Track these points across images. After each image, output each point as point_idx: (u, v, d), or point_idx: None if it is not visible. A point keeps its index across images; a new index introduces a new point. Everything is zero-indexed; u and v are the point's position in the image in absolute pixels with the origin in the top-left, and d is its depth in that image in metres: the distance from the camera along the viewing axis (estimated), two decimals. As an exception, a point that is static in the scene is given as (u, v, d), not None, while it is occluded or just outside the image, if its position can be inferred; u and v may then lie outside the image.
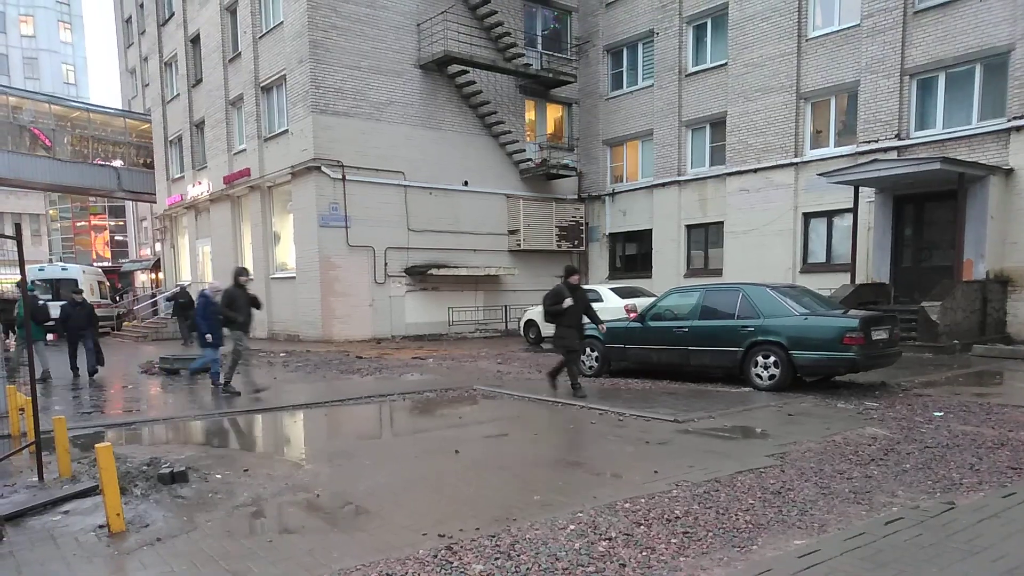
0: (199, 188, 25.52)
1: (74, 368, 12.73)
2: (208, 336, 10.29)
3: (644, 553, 3.73)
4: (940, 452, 5.82)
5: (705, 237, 20.38)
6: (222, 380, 10.14)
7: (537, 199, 22.65)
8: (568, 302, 8.83)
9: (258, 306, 10.25)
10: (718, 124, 19.58)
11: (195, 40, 25.43)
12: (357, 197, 19.08)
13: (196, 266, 27.03)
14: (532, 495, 4.85)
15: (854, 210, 15.33)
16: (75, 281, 24.28)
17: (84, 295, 13.20)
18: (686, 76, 20.27)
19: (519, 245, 22.19)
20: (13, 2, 62.49)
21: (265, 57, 20.95)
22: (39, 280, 23.83)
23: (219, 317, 10.21)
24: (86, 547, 4.03)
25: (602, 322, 9.89)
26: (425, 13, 20.00)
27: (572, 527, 4.12)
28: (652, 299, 12.66)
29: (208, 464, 5.87)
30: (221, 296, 10.05)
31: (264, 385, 10.31)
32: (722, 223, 19.44)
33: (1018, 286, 14.19)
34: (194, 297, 14.28)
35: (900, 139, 15.63)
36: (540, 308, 17.47)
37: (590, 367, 11.25)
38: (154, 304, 28.28)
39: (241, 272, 10.32)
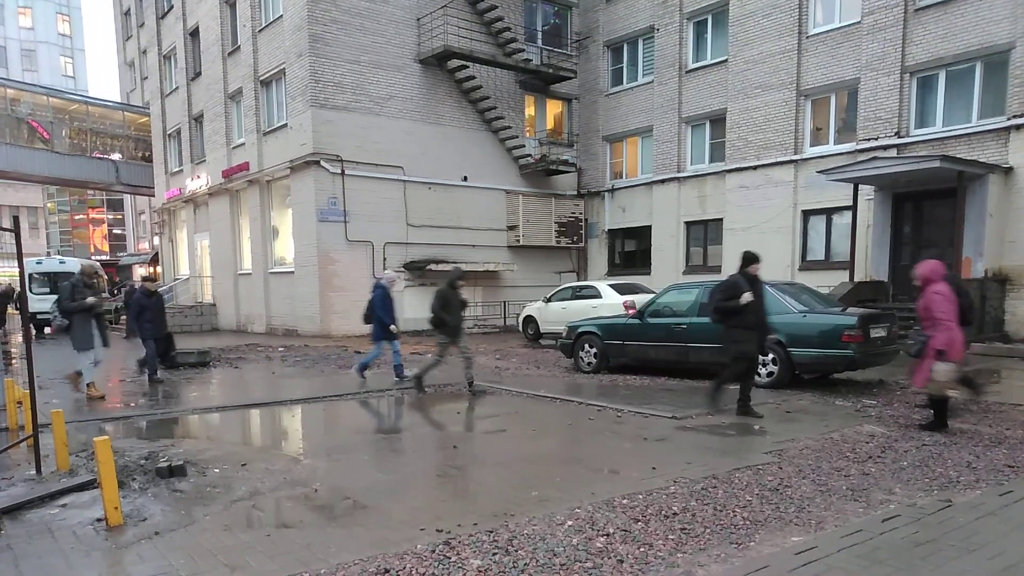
0: (198, 182, 25.47)
1: (165, 362, 11.60)
2: (384, 328, 10.20)
3: (642, 549, 3.74)
4: (937, 450, 5.83)
5: (704, 234, 20.38)
6: (407, 373, 10.15)
7: (536, 195, 22.62)
8: (747, 297, 7.13)
9: (465, 307, 9.73)
10: (718, 121, 19.56)
11: (194, 33, 25.34)
12: (356, 192, 19.05)
13: (194, 260, 26.99)
14: (530, 491, 4.86)
15: (853, 208, 15.33)
16: (71, 272, 24.27)
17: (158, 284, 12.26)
18: (686, 72, 20.24)
19: (518, 241, 22.18)
20: (11, -6, 62.29)
21: (264, 51, 20.89)
22: (37, 273, 23.82)
23: (391, 311, 10.21)
24: (84, 540, 4.03)
25: (771, 331, 7.89)
26: (425, 7, 19.94)
27: (570, 523, 4.13)
28: (651, 296, 12.65)
29: (206, 458, 5.87)
30: (434, 297, 9.34)
31: (482, 387, 9.49)
32: (721, 220, 19.43)
33: (1016, 285, 14.20)
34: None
35: (900, 137, 15.62)
36: (539, 304, 17.68)
37: (588, 363, 11.27)
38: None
39: (460, 275, 9.50)
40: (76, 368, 9.40)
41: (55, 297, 11.36)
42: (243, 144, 22.37)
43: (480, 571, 3.47)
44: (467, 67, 20.52)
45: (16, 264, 5.25)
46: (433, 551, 3.72)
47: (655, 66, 20.99)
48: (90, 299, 9.01)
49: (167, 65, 28.40)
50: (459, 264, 20.41)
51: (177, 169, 27.94)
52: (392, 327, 10.26)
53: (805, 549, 3.71)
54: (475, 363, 9.85)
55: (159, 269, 31.74)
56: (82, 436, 6.63)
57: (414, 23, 19.92)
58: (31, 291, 22.41)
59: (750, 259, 7.44)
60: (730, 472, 5.21)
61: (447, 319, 9.21)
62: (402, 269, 20.18)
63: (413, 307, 20.51)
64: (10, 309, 22.46)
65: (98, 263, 9.77)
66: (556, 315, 16.32)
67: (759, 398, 8.40)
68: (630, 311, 11.76)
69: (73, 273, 25.14)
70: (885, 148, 15.70)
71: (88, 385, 9.18)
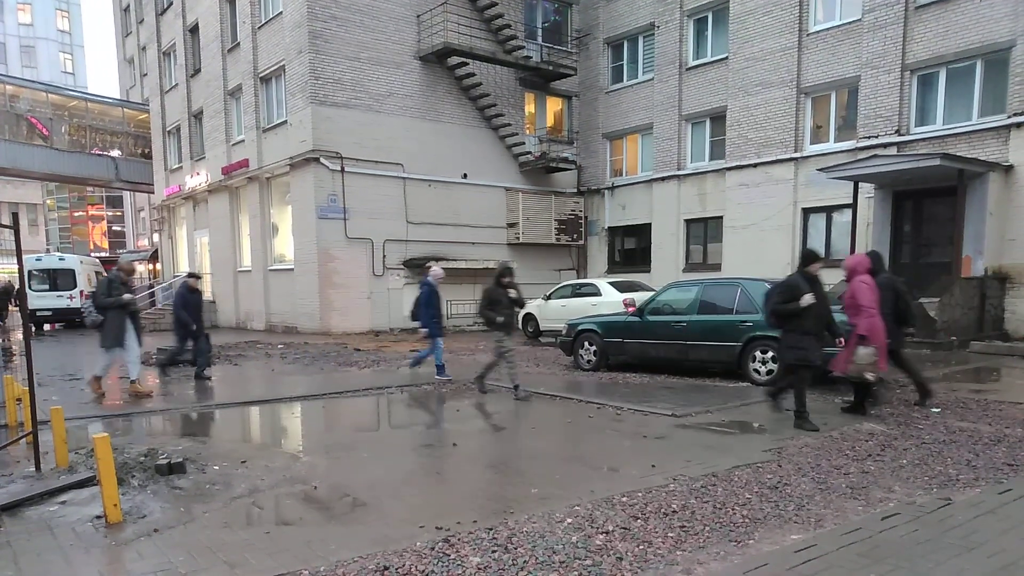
0: (197, 179, 25.44)
1: (193, 362, 11.19)
2: (426, 328, 10.16)
3: (641, 547, 3.74)
4: (937, 448, 5.83)
5: (704, 232, 20.37)
6: (445, 375, 10.19)
7: (536, 192, 22.60)
8: (808, 299, 6.58)
9: (521, 306, 9.42)
10: (718, 118, 19.54)
11: (194, 30, 25.30)
12: (356, 189, 19.03)
13: (194, 257, 26.97)
14: (529, 488, 4.86)
15: (853, 206, 15.32)
16: (71, 269, 24.27)
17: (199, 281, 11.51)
18: (686, 70, 20.21)
19: (518, 238, 22.16)
20: (10, -10, 62.17)
21: (264, 47, 20.85)
22: (36, 270, 23.81)
23: (437, 308, 10.19)
24: (83, 537, 4.03)
25: (839, 333, 7.30)
26: (425, 4, 19.91)
27: (569, 520, 4.13)
28: (651, 293, 12.64)
29: (206, 455, 5.87)
30: (482, 295, 9.13)
31: (527, 392, 8.83)
32: (721, 218, 19.42)
33: (1016, 283, 14.20)
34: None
35: (900, 135, 15.61)
36: (539, 302, 17.66)
37: (588, 361, 11.27)
38: (152, 295, 28.20)
39: (506, 272, 9.11)
40: (96, 371, 9.25)
41: (63, 290, 11.23)
42: (243, 141, 22.35)
43: (479, 568, 3.47)
44: (467, 64, 20.49)
45: (15, 261, 5.24)
46: (432, 548, 3.72)
47: (655, 63, 20.96)
48: (126, 296, 8.98)
49: (167, 62, 28.36)
50: (461, 260, 20.48)
51: (177, 166, 27.91)
52: (423, 327, 10.17)
53: (804, 547, 3.71)
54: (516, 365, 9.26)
55: (159, 266, 31.73)
56: (116, 433, 6.62)
57: (414, 20, 19.89)
58: (30, 288, 22.41)
59: (811, 257, 6.91)
60: (729, 470, 5.21)
61: (494, 317, 8.84)
62: (402, 266, 20.19)
63: (413, 304, 20.53)
64: (11, 306, 22.51)
65: (135, 260, 9.24)
66: (556, 313, 16.32)
67: (758, 396, 8.40)
68: (630, 309, 11.76)
69: (72, 270, 25.18)
70: (885, 146, 15.69)
71: (132, 382, 9.14)
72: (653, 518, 4.17)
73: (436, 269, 10.80)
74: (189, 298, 10.87)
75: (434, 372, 10.47)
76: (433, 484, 5.16)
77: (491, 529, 4.00)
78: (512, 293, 9.01)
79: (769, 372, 9.15)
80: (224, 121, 23.37)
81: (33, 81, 38.77)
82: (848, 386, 8.89)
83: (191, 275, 11.46)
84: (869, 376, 7.03)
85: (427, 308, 10.15)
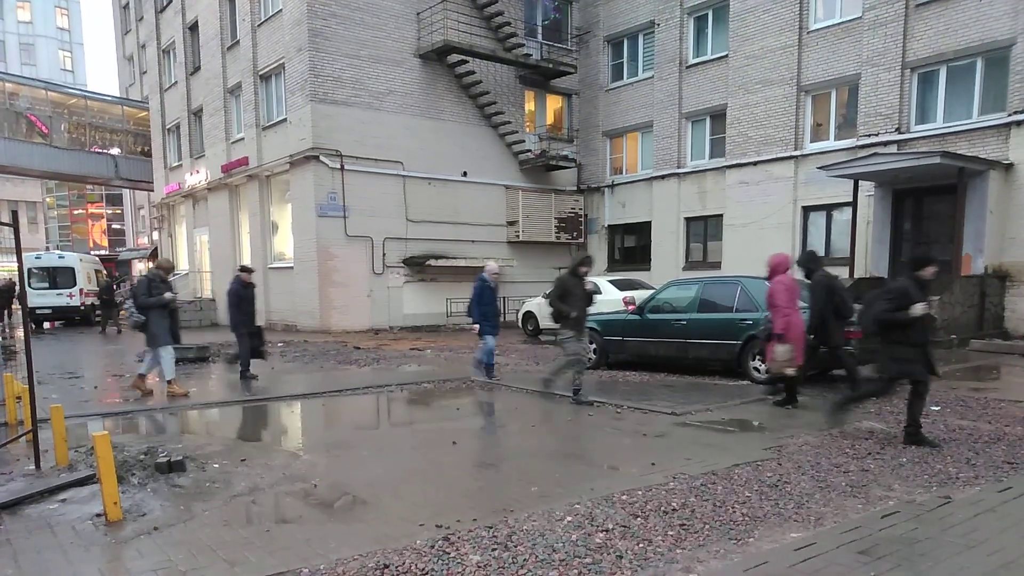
0: (197, 177, 25.43)
1: (261, 355, 10.81)
2: (477, 324, 9.66)
3: (641, 545, 3.74)
4: (936, 447, 5.83)
5: (704, 230, 20.36)
6: (488, 376, 9.69)
7: (536, 190, 22.59)
8: (920, 308, 5.70)
9: (592, 301, 8.58)
10: (718, 116, 19.52)
11: (193, 27, 25.27)
12: (356, 187, 19.02)
13: (194, 255, 26.98)
14: (529, 486, 4.86)
15: (853, 204, 15.32)
16: (70, 267, 24.25)
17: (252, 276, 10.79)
18: (687, 68, 20.19)
19: (518, 236, 22.15)
20: (10, -12, 62.08)
21: (264, 45, 20.83)
22: (36, 268, 23.79)
23: (492, 305, 9.71)
24: (83, 536, 4.02)
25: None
26: (425, 2, 19.88)
27: (569, 518, 4.13)
28: (651, 292, 12.65)
29: (206, 453, 5.87)
30: (554, 284, 8.38)
31: (587, 398, 8.15)
32: (721, 216, 19.41)
33: (1016, 281, 14.20)
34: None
35: (900, 133, 15.60)
36: (539, 300, 17.66)
37: (588, 359, 11.25)
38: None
39: (585, 261, 8.36)
40: (141, 371, 9.18)
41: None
42: (242, 139, 22.33)
43: (479, 567, 3.47)
44: (467, 62, 20.47)
45: (15, 259, 5.23)
46: (432, 547, 3.72)
47: (655, 61, 20.94)
48: (167, 295, 8.92)
49: (166, 59, 28.33)
50: (461, 258, 20.48)
51: (176, 164, 27.90)
52: (477, 323, 9.68)
53: (804, 545, 3.72)
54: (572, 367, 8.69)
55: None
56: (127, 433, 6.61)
57: (414, 18, 19.86)
58: (30, 286, 22.39)
59: (923, 261, 5.97)
60: (729, 468, 5.21)
61: (568, 311, 8.00)
62: (402, 264, 20.18)
63: (413, 303, 20.59)
64: (14, 305, 22.51)
65: (167, 259, 9.03)
66: (556, 311, 16.29)
67: (758, 394, 8.40)
68: (630, 307, 11.76)
69: (72, 268, 25.09)
70: (885, 144, 15.68)
71: (169, 382, 9.00)
72: (653, 516, 4.17)
73: (491, 264, 10.19)
74: (243, 293, 10.35)
75: (421, 371, 10.30)
76: (433, 482, 5.16)
77: (491, 527, 4.00)
78: (589, 285, 8.29)
79: (769, 370, 9.14)
80: (224, 119, 23.35)
81: (33, 79, 38.74)
82: (844, 383, 8.90)
83: (244, 268, 10.81)
84: (788, 371, 7.42)
85: (478, 305, 9.71)
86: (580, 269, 8.20)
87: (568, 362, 8.30)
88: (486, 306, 9.74)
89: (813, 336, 7.71)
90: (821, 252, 17.40)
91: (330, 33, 18.52)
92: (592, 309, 12.20)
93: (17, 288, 21.44)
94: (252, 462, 5.61)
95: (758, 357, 9.26)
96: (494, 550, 3.67)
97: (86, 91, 39.78)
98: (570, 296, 8.04)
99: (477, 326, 9.80)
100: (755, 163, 18.41)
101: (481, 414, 8.00)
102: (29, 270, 22.81)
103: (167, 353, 8.91)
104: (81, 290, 23.67)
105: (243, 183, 22.50)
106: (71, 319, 24.03)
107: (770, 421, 7.01)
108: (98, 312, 22.47)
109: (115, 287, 23.64)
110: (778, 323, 7.35)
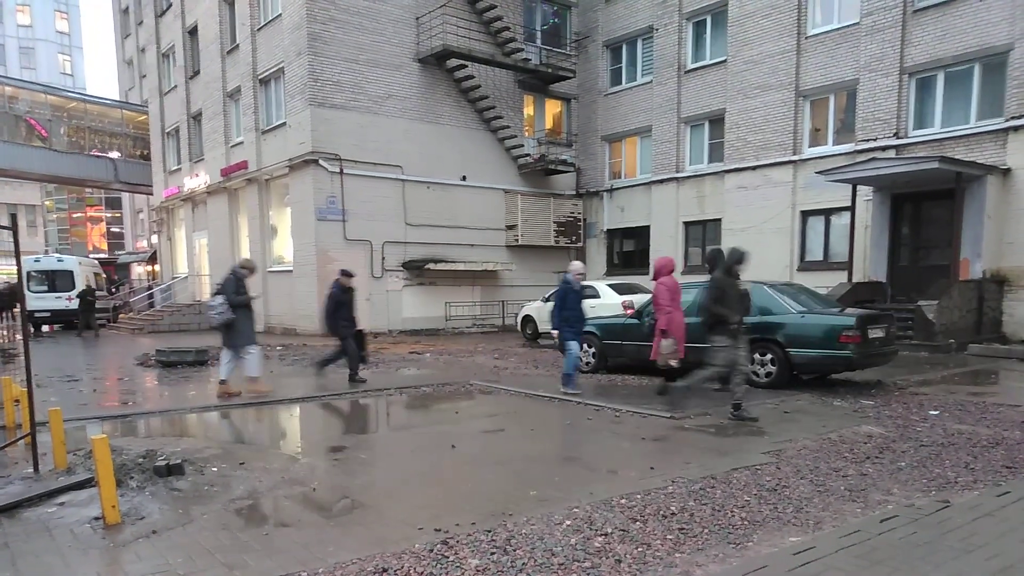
0: (196, 180, 25.44)
1: (363, 360, 10.44)
2: (558, 331, 8.92)
3: (640, 549, 3.73)
4: (935, 450, 5.84)
5: (703, 234, 20.38)
6: (571, 388, 8.76)
7: (535, 194, 22.62)
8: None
9: (748, 305, 7.66)
10: (717, 121, 19.57)
11: (193, 31, 25.32)
12: (355, 191, 19.03)
13: (193, 258, 26.96)
14: (528, 490, 4.86)
15: (852, 208, 15.34)
16: (69, 270, 24.22)
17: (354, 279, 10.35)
18: (685, 73, 20.25)
19: (516, 240, 22.17)
20: (9, -9, 62.16)
21: (263, 49, 20.86)
22: (34, 271, 23.78)
23: (577, 310, 8.92)
24: (81, 539, 4.02)
25: None
26: (424, 6, 19.93)
27: (568, 522, 4.13)
28: (650, 295, 12.63)
29: (204, 457, 5.86)
30: (709, 286, 7.29)
31: (750, 414, 7.22)
32: (720, 220, 19.44)
33: (1014, 286, 14.22)
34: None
35: (898, 138, 15.64)
36: (537, 303, 17.67)
37: (586, 363, 11.26)
38: (150, 296, 28.19)
39: (740, 258, 7.28)
40: (249, 373, 9.17)
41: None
42: (242, 143, 22.35)
43: (478, 570, 3.47)
44: (466, 66, 20.51)
45: (14, 262, 5.23)
46: (431, 550, 3.72)
47: (654, 66, 21.00)
48: (253, 293, 9.02)
49: (166, 63, 28.37)
50: (460, 262, 20.48)
51: (175, 167, 27.91)
52: (555, 329, 8.96)
53: (803, 549, 3.71)
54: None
55: (157, 267, 31.71)
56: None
57: (413, 22, 19.91)
58: (29, 289, 22.38)
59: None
60: (728, 472, 5.21)
61: (728, 315, 7.00)
62: (401, 268, 20.18)
63: (412, 306, 20.59)
64: (15, 309, 22.50)
65: (250, 259, 8.74)
66: (555, 315, 16.29)
67: (756, 398, 8.41)
68: (628, 311, 11.76)
69: (71, 271, 25.08)
70: (884, 149, 15.71)
71: (254, 379, 9.10)
72: (652, 520, 4.17)
73: (576, 264, 9.24)
74: (342, 298, 9.90)
75: (420, 374, 10.13)
76: (432, 486, 5.16)
77: (490, 531, 3.99)
78: (743, 286, 7.41)
79: (768, 374, 9.16)
80: (223, 123, 23.37)
81: (32, 82, 38.75)
82: (847, 387, 8.92)
83: (344, 273, 10.27)
84: (672, 363, 8.30)
85: (560, 310, 8.88)
86: (735, 268, 7.24)
87: (715, 375, 7.35)
88: (570, 311, 8.89)
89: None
90: (819, 257, 17.48)
91: (329, 37, 18.56)
92: (591, 313, 12.24)
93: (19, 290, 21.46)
94: (251, 465, 5.61)
95: (757, 360, 9.28)
96: (493, 554, 3.66)
97: (86, 95, 39.80)
98: (727, 298, 7.06)
99: (557, 332, 8.99)
100: (754, 168, 18.45)
101: (480, 417, 7.99)
102: (28, 273, 22.81)
103: (256, 350, 9.09)
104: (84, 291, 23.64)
105: (242, 187, 22.51)
106: (70, 322, 24.01)
107: (769, 425, 7.01)
108: (76, 318, 22.36)
109: (112, 290, 23.59)
110: (661, 320, 8.21)
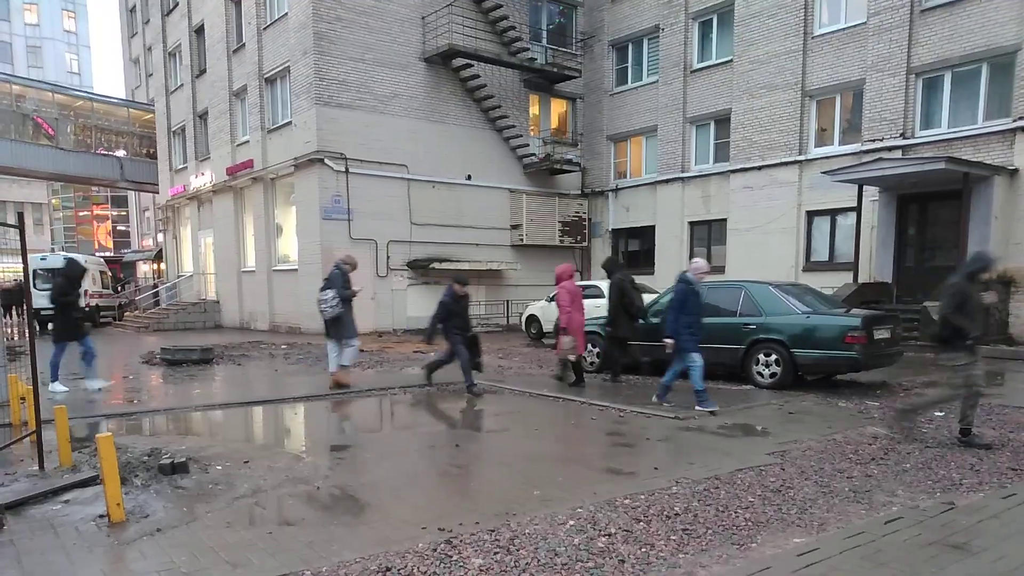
0: (202, 179, 25.50)
1: (476, 367, 9.61)
2: (672, 339, 7.78)
3: (643, 549, 3.73)
4: (940, 452, 5.82)
5: (708, 234, 20.34)
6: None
7: (540, 194, 22.60)
8: None
9: (988, 320, 6.47)
10: (723, 121, 19.51)
11: (199, 30, 25.38)
12: (360, 190, 19.05)
13: (198, 257, 27.04)
14: (532, 490, 4.85)
15: (858, 209, 15.29)
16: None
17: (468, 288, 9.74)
18: (691, 72, 20.20)
19: (521, 240, 22.16)
20: (17, -10, 62.45)
21: (269, 48, 20.90)
22: (41, 269, 23.86)
23: (696, 315, 7.77)
24: (86, 536, 4.04)
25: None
26: (430, 6, 19.93)
27: (572, 522, 4.13)
28: (654, 296, 12.62)
29: (209, 455, 5.87)
30: (950, 291, 6.03)
31: (982, 440, 6.17)
32: (725, 220, 19.39)
33: (1021, 287, 14.13)
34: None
35: (905, 138, 15.57)
36: (542, 303, 17.64)
37: (591, 363, 11.24)
38: (156, 295, 28.28)
39: (986, 265, 6.20)
40: (342, 362, 9.56)
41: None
42: (247, 142, 22.39)
43: (482, 570, 3.47)
44: (471, 66, 20.50)
45: (21, 260, 5.26)
46: (435, 550, 3.72)
47: (660, 66, 20.95)
48: (356, 288, 9.43)
49: (172, 62, 28.44)
50: (465, 261, 20.46)
51: (181, 166, 27.98)
52: (670, 337, 7.79)
53: (807, 551, 3.71)
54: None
55: (163, 266, 31.80)
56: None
57: (419, 21, 19.92)
58: (35, 287, 22.46)
59: None
60: (732, 473, 5.20)
61: (969, 327, 5.86)
62: (406, 267, 20.20)
63: (417, 305, 20.56)
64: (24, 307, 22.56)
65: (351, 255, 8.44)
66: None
67: (761, 399, 8.39)
68: (633, 311, 11.72)
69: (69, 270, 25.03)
70: (890, 149, 15.64)
71: (345, 368, 9.54)
72: (655, 521, 4.16)
73: (699, 262, 8.03)
74: (454, 307, 9.28)
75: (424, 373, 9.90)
76: (435, 485, 5.16)
77: (493, 531, 4.00)
78: (987, 297, 6.35)
79: (773, 375, 9.14)
80: (229, 122, 23.43)
81: (39, 81, 38.91)
82: (852, 388, 8.91)
83: (459, 280, 9.55)
84: (572, 357, 9.45)
85: (678, 313, 7.68)
86: (980, 274, 6.11)
87: (949, 397, 6.43)
88: (690, 315, 7.68)
89: (610, 328, 9.88)
90: (825, 257, 17.43)
91: (335, 37, 18.58)
92: (596, 313, 12.21)
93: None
94: (255, 464, 5.62)
95: (762, 361, 9.27)
96: (496, 553, 3.67)
97: (92, 93, 39.95)
98: (970, 307, 5.93)
99: (671, 340, 7.77)
100: (759, 168, 18.40)
101: (484, 417, 8.00)
102: (34, 271, 22.89)
103: (356, 343, 9.66)
104: (86, 291, 23.71)
105: (248, 186, 22.56)
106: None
107: (774, 426, 6.99)
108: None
109: (118, 288, 23.60)
110: (562, 319, 9.36)
